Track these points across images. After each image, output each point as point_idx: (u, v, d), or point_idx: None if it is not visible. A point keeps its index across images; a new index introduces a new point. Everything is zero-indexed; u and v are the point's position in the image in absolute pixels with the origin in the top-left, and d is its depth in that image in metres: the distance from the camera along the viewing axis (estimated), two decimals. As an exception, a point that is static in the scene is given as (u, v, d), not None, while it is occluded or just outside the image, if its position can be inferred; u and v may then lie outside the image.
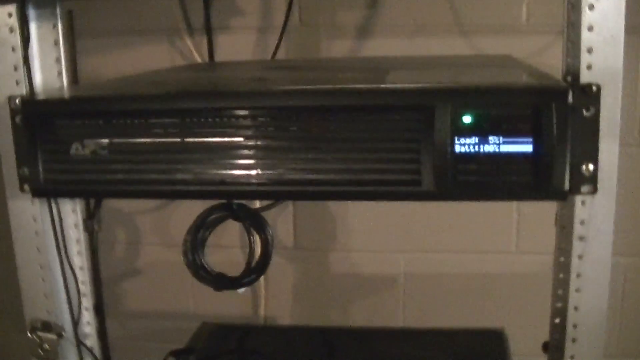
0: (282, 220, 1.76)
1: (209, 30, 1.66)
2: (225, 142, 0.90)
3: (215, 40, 1.68)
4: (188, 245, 1.48)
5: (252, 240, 1.52)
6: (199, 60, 1.68)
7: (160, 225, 1.82)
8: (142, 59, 1.71)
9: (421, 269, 1.77)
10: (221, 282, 1.48)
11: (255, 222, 1.54)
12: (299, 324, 1.83)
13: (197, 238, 1.50)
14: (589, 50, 0.87)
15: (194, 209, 1.62)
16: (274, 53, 1.62)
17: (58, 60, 1.09)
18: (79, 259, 1.14)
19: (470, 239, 1.73)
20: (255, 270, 1.55)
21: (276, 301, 1.84)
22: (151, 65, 1.64)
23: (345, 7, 1.65)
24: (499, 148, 0.84)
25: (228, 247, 1.76)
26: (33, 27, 1.04)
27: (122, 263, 1.87)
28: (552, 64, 1.03)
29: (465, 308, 1.77)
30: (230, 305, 1.82)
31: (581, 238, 0.92)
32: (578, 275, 0.93)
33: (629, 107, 1.57)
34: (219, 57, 1.68)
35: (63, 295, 1.10)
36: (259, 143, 0.89)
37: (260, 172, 0.90)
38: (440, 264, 1.76)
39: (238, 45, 1.69)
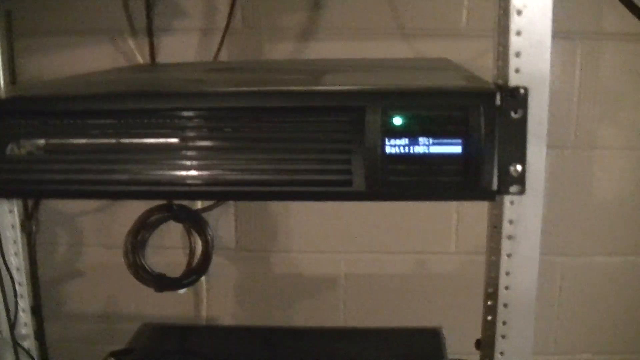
0: (224, 221, 1.76)
1: (150, 32, 1.66)
2: (161, 143, 0.90)
3: (158, 41, 1.68)
4: (128, 246, 1.48)
5: (192, 241, 1.52)
6: (141, 61, 1.68)
7: (101, 226, 1.81)
8: (84, 59, 1.70)
9: (362, 270, 1.78)
10: (162, 282, 1.49)
11: (195, 223, 1.55)
12: (240, 324, 1.84)
13: (137, 239, 1.51)
14: (517, 54, 0.89)
15: (135, 210, 1.63)
16: (216, 55, 1.63)
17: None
18: (16, 260, 1.14)
19: (411, 239, 1.75)
20: (196, 270, 1.56)
21: (218, 302, 1.84)
22: (93, 66, 1.63)
23: (289, 10, 1.65)
24: (428, 149, 0.86)
25: (170, 248, 1.75)
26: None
27: (62, 264, 1.85)
28: (490, 67, 1.06)
29: (405, 308, 1.79)
30: (172, 306, 1.81)
31: (510, 237, 0.94)
32: (507, 273, 0.96)
33: (565, 110, 1.60)
34: (162, 58, 1.68)
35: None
36: (193, 144, 0.90)
37: (195, 172, 0.90)
38: (380, 265, 1.78)
39: (181, 46, 1.69)
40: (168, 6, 1.67)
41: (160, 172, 0.91)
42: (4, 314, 1.11)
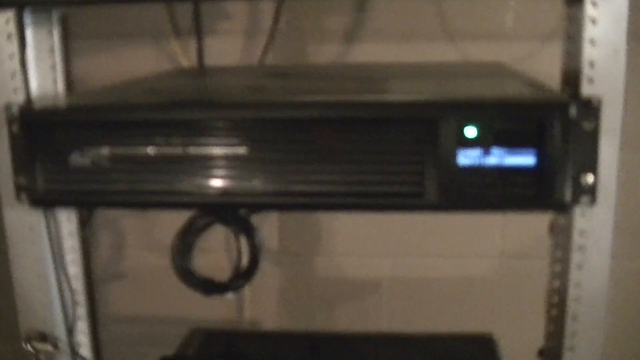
0: (267, 223, 1.76)
1: (199, 34, 1.65)
2: (227, 153, 0.90)
3: (202, 43, 1.68)
4: (176, 251, 1.47)
5: (239, 245, 1.51)
6: (185, 63, 1.68)
7: (145, 228, 1.81)
8: (130, 60, 1.70)
9: (405, 273, 1.77)
10: (209, 287, 1.47)
11: (244, 228, 1.54)
12: (286, 330, 1.83)
13: (184, 243, 1.50)
14: (591, 64, 0.87)
15: (176, 212, 1.62)
16: (262, 58, 1.62)
17: (53, 66, 1.08)
18: (74, 268, 1.13)
19: (456, 243, 1.74)
20: (243, 275, 1.55)
21: (261, 304, 1.84)
22: (139, 67, 1.65)
23: (333, 12, 1.65)
24: (502, 160, 0.85)
25: (212, 251, 1.75)
26: (29, 34, 1.02)
27: (107, 267, 1.85)
28: (540, 70, 1.04)
29: (450, 312, 1.78)
30: (215, 309, 1.81)
31: (580, 248, 0.93)
32: (577, 285, 0.94)
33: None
34: (206, 60, 1.68)
35: (58, 305, 1.10)
36: (262, 154, 0.89)
37: (263, 183, 0.89)
38: (424, 269, 1.77)
39: (225, 48, 1.68)
40: (213, 9, 1.66)
41: (228, 181, 0.90)
42: (62, 322, 1.11)
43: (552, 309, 1.02)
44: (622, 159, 1.56)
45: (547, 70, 1.01)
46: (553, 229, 1.03)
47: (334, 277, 1.80)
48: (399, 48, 1.64)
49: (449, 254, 1.75)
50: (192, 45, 1.68)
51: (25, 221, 1.04)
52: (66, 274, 1.11)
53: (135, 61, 1.69)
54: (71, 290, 1.13)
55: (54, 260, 1.07)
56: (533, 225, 1.07)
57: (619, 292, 1.72)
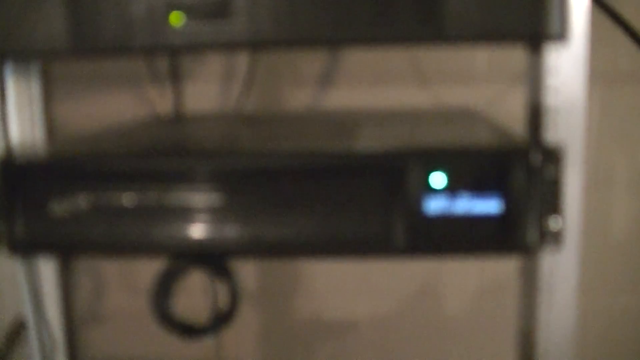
0: (244, 264, 1.77)
1: (176, 80, 1.68)
2: (203, 201, 0.92)
3: (180, 88, 1.70)
4: (154, 296, 1.47)
5: (217, 288, 1.52)
6: (162, 108, 1.70)
7: (124, 271, 1.82)
8: (109, 105, 1.72)
9: (383, 313, 1.79)
10: (188, 332, 1.48)
11: (221, 271, 1.55)
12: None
13: (162, 288, 1.51)
14: (553, 111, 0.91)
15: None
16: (238, 103, 1.65)
17: (33, 116, 1.10)
18: (53, 313, 1.15)
19: (433, 281, 1.76)
20: (222, 319, 1.55)
21: (239, 346, 1.84)
22: (118, 112, 1.67)
23: (308, 58, 1.67)
24: (467, 206, 0.87)
25: (191, 294, 1.76)
26: (9, 84, 1.05)
27: (86, 310, 1.86)
28: (512, 112, 1.08)
29: (427, 351, 1.79)
30: (194, 351, 1.81)
31: (547, 289, 0.96)
32: (546, 325, 0.97)
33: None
34: (183, 105, 1.70)
35: (37, 350, 1.11)
36: (236, 203, 0.91)
37: (237, 231, 0.92)
38: (402, 308, 1.78)
39: (202, 93, 1.71)
40: (187, 54, 1.69)
41: (203, 229, 0.92)
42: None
43: (522, 348, 1.04)
44: (593, 197, 1.60)
45: (519, 112, 1.04)
46: (522, 272, 1.05)
47: (313, 318, 1.81)
48: (372, 93, 1.67)
49: (427, 292, 1.76)
50: (169, 90, 1.70)
51: (5, 268, 1.06)
52: (45, 319, 1.12)
53: (114, 106, 1.71)
54: (51, 336, 1.14)
55: (33, 307, 1.08)
56: (509, 263, 1.09)
57: (590, 329, 1.74)
